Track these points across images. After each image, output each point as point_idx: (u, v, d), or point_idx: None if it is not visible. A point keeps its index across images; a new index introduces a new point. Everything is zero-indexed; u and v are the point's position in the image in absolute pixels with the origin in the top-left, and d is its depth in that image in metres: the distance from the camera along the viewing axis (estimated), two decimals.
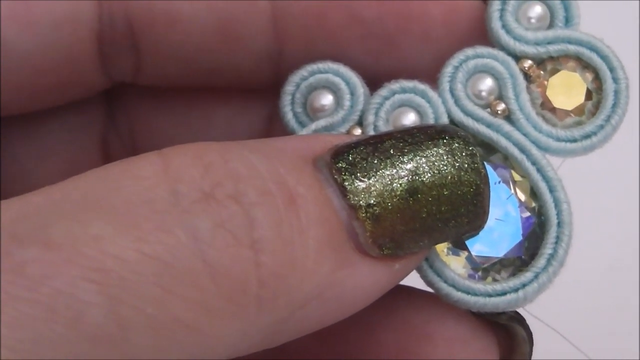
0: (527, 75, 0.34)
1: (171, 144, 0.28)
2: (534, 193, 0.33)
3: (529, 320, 0.34)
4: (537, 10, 0.34)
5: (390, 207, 0.29)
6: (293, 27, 0.35)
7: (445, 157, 0.29)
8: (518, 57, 0.34)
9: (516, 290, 0.32)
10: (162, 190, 0.26)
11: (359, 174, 0.29)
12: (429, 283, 0.33)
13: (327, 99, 0.34)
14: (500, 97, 0.33)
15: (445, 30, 0.34)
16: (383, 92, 0.34)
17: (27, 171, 0.38)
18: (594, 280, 0.64)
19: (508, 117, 0.33)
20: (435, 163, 0.29)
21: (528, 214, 0.33)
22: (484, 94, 0.33)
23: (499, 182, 0.33)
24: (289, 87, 0.34)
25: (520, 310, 0.34)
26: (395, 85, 0.34)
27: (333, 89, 0.34)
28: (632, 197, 0.64)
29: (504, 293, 0.32)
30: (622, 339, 0.62)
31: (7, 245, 0.24)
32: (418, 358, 0.34)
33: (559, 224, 0.32)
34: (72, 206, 0.25)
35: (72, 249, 0.24)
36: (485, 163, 0.31)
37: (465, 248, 0.33)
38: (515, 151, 0.33)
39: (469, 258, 0.33)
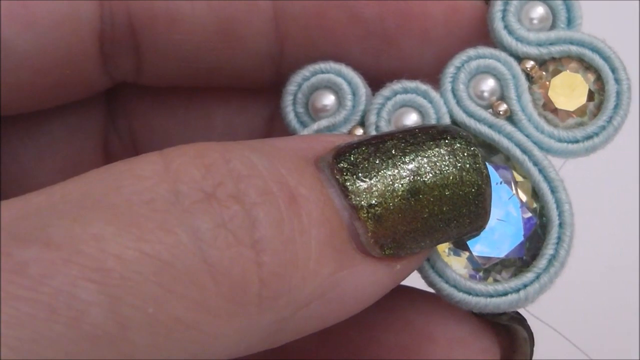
0: (529, 76, 0.34)
1: (172, 143, 0.28)
2: (535, 194, 0.33)
3: (530, 321, 0.34)
4: (539, 11, 0.34)
5: (391, 208, 0.29)
6: (293, 26, 0.35)
7: (447, 158, 0.29)
8: (520, 58, 0.34)
9: (517, 290, 0.32)
10: (163, 190, 0.26)
11: (360, 174, 0.29)
12: (430, 283, 0.33)
13: (329, 99, 0.34)
14: (502, 98, 0.33)
15: (446, 30, 0.34)
16: (385, 92, 0.34)
17: (27, 171, 0.38)
18: (594, 280, 0.64)
19: (510, 117, 0.33)
20: (437, 163, 0.29)
21: (529, 214, 0.33)
22: (486, 94, 0.33)
23: (501, 183, 0.33)
24: (291, 87, 0.34)
25: (521, 311, 0.34)
26: (397, 85, 0.34)
27: (335, 89, 0.34)
28: (632, 197, 0.64)
29: (505, 294, 0.32)
30: (623, 339, 0.62)
31: (7, 245, 0.24)
32: (419, 358, 0.34)
33: (560, 225, 0.32)
34: (72, 206, 0.25)
35: (72, 248, 0.24)
36: (487, 164, 0.31)
37: (467, 248, 0.33)
38: (517, 152, 0.33)
39: (470, 258, 0.33)
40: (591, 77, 0.33)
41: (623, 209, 0.66)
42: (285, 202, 0.27)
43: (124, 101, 0.39)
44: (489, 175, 0.30)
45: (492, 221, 0.31)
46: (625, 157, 0.62)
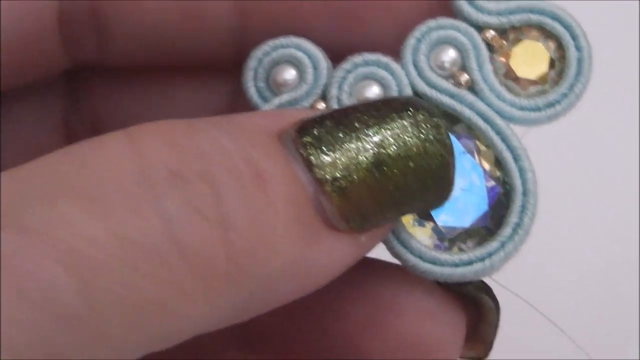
0: (490, 46, 0.34)
1: (134, 122, 0.28)
2: (498, 163, 0.33)
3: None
4: None
5: (356, 180, 0.29)
6: (255, 3, 0.35)
7: (410, 130, 0.29)
8: (481, 28, 0.34)
9: (482, 259, 0.32)
10: (130, 169, 0.26)
11: (324, 148, 0.29)
12: (395, 255, 0.33)
13: (289, 74, 0.34)
14: (464, 68, 0.34)
15: (408, 3, 0.34)
16: (346, 65, 0.33)
17: None
18: (595, 280, 0.64)
19: (471, 87, 0.33)
20: (400, 135, 0.29)
21: (493, 183, 0.33)
22: (447, 65, 0.33)
23: (463, 153, 0.33)
24: (252, 62, 0.34)
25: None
26: (358, 58, 0.33)
27: (296, 64, 0.34)
28: (632, 197, 0.64)
29: (470, 263, 0.32)
30: (623, 338, 0.63)
31: None
32: (386, 330, 0.34)
33: (524, 193, 0.33)
34: (40, 188, 0.25)
35: (40, 230, 0.24)
36: (450, 134, 0.31)
37: (431, 219, 0.33)
38: (479, 121, 0.33)
39: (435, 229, 0.33)
40: (552, 45, 0.34)
41: (622, 208, 0.65)
42: (251, 179, 0.27)
43: (85, 82, 0.38)
44: (452, 146, 0.30)
45: (456, 191, 0.32)
46: (626, 154, 0.62)
